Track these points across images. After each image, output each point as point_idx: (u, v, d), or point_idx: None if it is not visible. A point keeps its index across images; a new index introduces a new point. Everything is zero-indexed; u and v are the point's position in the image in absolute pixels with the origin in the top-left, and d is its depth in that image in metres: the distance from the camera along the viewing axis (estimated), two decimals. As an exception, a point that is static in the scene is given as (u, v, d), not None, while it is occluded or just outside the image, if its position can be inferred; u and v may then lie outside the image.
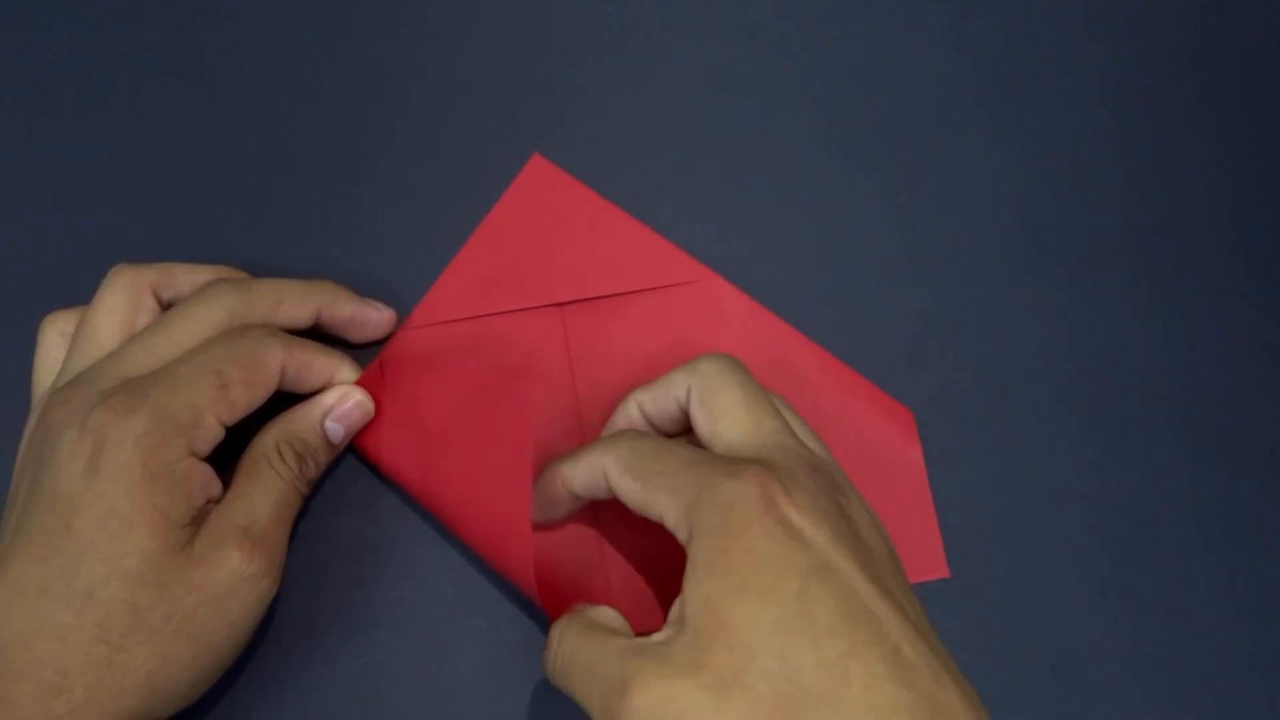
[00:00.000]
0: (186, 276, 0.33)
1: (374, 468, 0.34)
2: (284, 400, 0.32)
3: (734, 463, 0.27)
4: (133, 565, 0.27)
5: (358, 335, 0.34)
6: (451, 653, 0.33)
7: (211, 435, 0.29)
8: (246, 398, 0.30)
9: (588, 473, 0.30)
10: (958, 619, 0.34)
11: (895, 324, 0.36)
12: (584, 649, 0.27)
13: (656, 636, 0.26)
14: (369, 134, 0.37)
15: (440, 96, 0.38)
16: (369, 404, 0.33)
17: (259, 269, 0.35)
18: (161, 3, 0.38)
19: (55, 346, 0.32)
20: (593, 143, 0.37)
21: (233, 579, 0.28)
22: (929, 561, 0.34)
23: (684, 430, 0.31)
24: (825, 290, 0.37)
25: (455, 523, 0.32)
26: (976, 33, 0.39)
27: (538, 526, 0.33)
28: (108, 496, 0.27)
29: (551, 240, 0.36)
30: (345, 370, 0.33)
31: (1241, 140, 0.39)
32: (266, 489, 0.30)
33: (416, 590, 0.33)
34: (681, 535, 0.27)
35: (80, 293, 0.35)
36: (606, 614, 0.29)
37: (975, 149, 0.38)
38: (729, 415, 0.29)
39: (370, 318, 0.34)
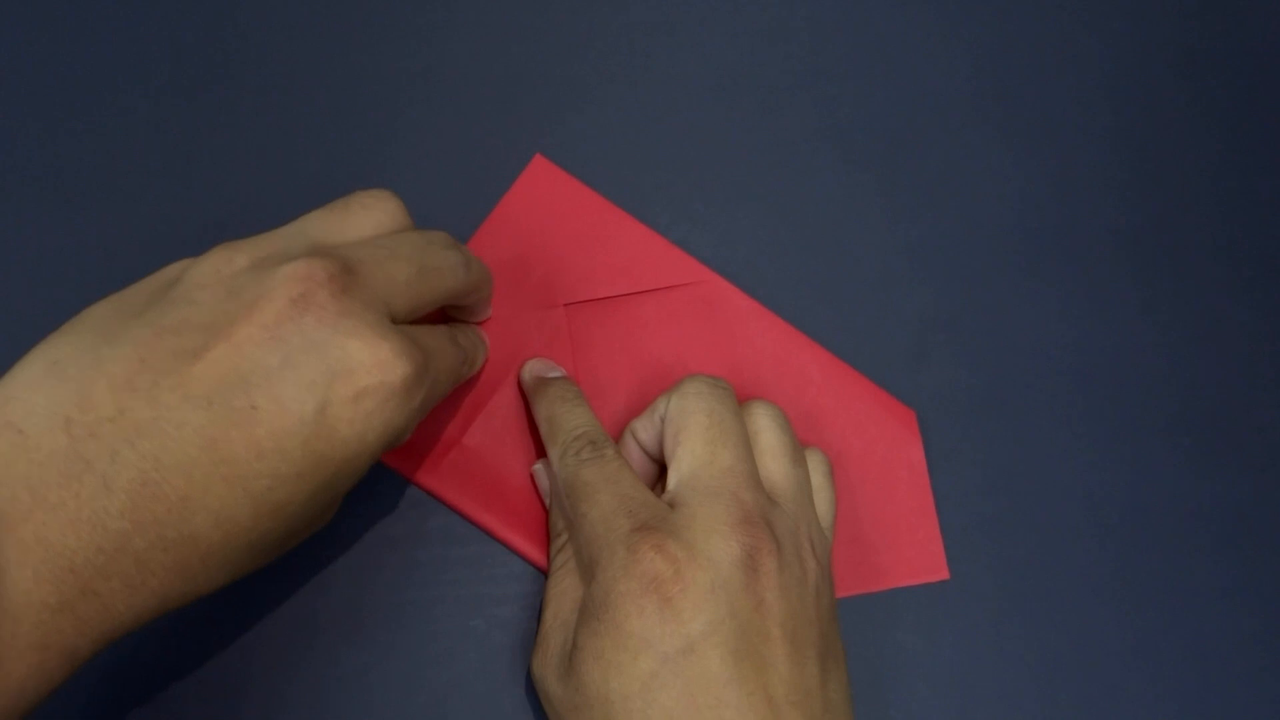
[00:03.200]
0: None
1: (379, 466, 0.34)
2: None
3: (640, 530, 0.27)
4: (327, 502, 0.26)
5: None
6: (451, 653, 0.33)
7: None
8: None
9: (547, 483, 0.33)
10: (958, 619, 0.34)
11: (896, 324, 0.36)
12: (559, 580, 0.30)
13: (579, 630, 0.28)
14: (370, 134, 0.37)
15: (442, 97, 0.38)
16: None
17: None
18: (162, 4, 0.38)
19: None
20: (594, 143, 0.37)
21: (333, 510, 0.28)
22: (929, 562, 0.34)
23: None
24: (826, 290, 0.37)
25: (464, 511, 0.33)
26: (976, 33, 0.39)
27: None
28: (365, 444, 0.25)
29: (553, 241, 0.36)
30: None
31: (1241, 140, 0.39)
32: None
33: (416, 590, 0.33)
34: (584, 577, 0.29)
35: (81, 292, 0.35)
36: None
37: (975, 149, 0.38)
38: (687, 444, 0.29)
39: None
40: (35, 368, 0.23)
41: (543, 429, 0.33)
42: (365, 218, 0.28)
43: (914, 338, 0.36)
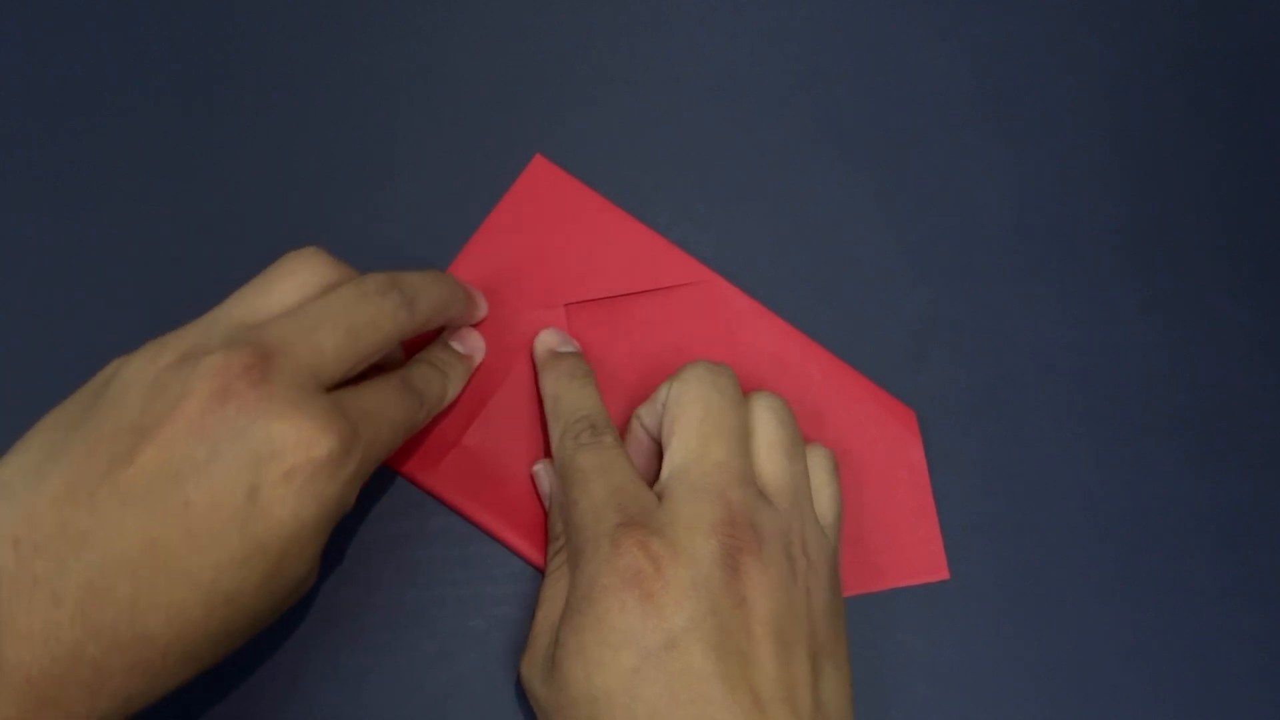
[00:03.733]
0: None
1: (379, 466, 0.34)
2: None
3: (626, 526, 0.27)
4: (283, 586, 0.27)
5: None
6: (451, 653, 0.33)
7: None
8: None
9: (547, 486, 0.33)
10: (958, 619, 0.34)
11: (896, 324, 0.36)
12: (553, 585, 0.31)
13: (562, 627, 0.28)
14: (370, 135, 0.37)
15: (442, 97, 0.38)
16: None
17: (258, 270, 0.35)
18: (162, 4, 0.38)
19: None
20: (594, 143, 0.37)
21: (303, 587, 0.28)
22: (929, 562, 0.34)
23: None
24: (825, 290, 0.37)
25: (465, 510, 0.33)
26: (975, 33, 0.39)
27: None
28: (302, 521, 0.26)
29: (553, 241, 0.36)
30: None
31: (1241, 140, 0.39)
32: None
33: (416, 590, 0.33)
34: (574, 548, 0.29)
35: (80, 293, 0.35)
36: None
37: (975, 149, 0.38)
38: (680, 436, 0.30)
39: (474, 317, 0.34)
40: None
41: (547, 405, 0.33)
42: (289, 286, 0.28)
43: (914, 338, 0.36)
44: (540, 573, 0.33)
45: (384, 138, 0.37)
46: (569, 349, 0.34)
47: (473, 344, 0.34)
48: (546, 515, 0.33)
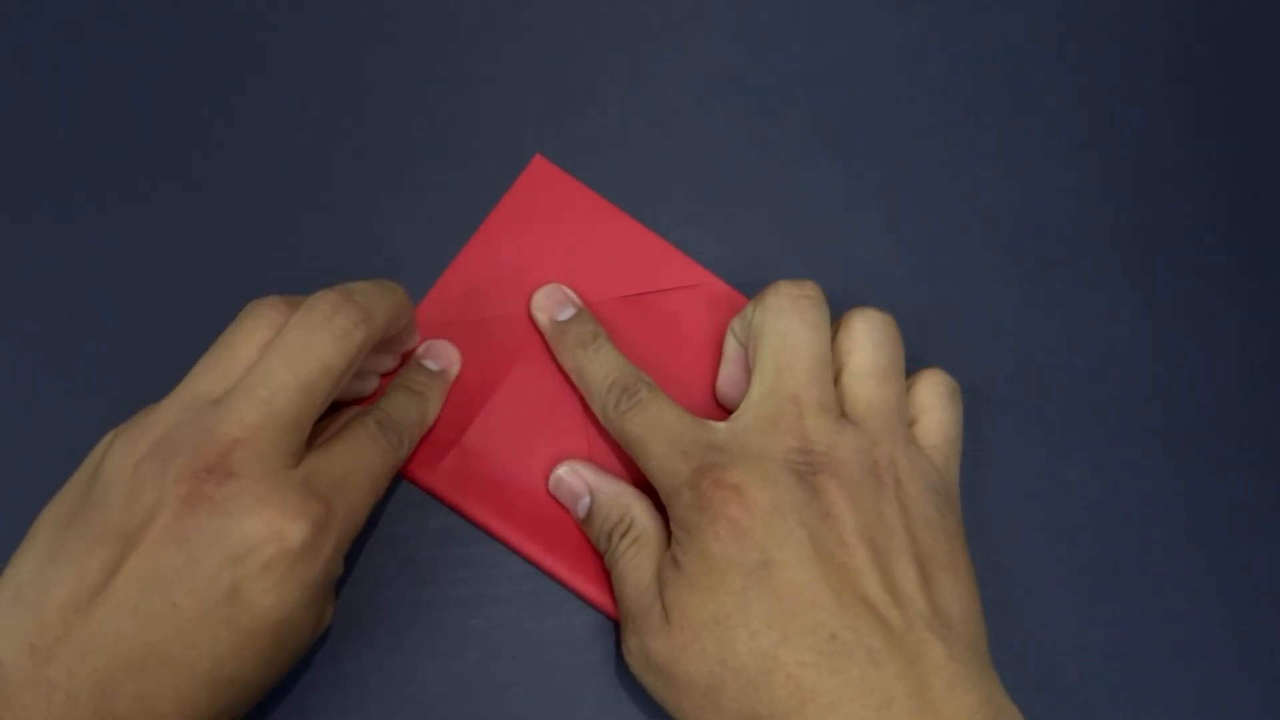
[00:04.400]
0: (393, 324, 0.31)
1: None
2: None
3: (698, 471, 0.28)
4: (283, 659, 0.28)
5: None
6: (451, 653, 0.33)
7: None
8: None
9: (574, 496, 0.33)
10: (957, 619, 0.34)
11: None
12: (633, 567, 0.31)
13: (665, 573, 0.29)
14: (370, 135, 0.37)
15: (442, 97, 0.38)
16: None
17: (259, 270, 0.35)
18: (162, 4, 0.38)
19: None
20: (594, 143, 0.37)
21: (311, 639, 0.29)
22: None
23: None
24: (825, 291, 0.37)
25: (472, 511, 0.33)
26: (975, 34, 0.39)
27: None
28: (287, 606, 0.27)
29: (553, 241, 0.36)
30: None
31: (1240, 140, 0.39)
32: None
33: (416, 590, 0.33)
34: (665, 506, 0.30)
35: (79, 293, 0.35)
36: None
37: (974, 149, 0.38)
38: (759, 366, 0.30)
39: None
40: (5, 594, 0.26)
41: (573, 380, 0.34)
42: (250, 345, 0.29)
43: (912, 338, 0.36)
44: (541, 572, 0.33)
45: (384, 138, 0.37)
46: (569, 313, 0.34)
47: (447, 357, 0.34)
48: (585, 521, 0.33)
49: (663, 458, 0.30)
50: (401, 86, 0.38)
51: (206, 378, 0.28)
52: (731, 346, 0.33)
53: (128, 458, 0.27)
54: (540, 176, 0.37)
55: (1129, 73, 0.39)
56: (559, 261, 0.36)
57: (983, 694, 0.26)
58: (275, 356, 0.28)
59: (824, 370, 0.30)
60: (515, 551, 0.33)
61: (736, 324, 0.33)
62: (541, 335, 0.35)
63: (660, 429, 0.30)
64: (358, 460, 0.29)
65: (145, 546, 0.26)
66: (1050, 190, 0.38)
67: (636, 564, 0.30)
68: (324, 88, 0.38)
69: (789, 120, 0.38)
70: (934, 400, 0.31)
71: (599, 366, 0.32)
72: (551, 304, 0.34)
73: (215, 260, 0.36)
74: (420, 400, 0.33)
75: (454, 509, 0.34)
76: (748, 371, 0.32)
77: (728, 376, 0.34)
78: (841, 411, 0.30)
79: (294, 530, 0.26)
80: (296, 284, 0.35)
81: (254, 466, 0.26)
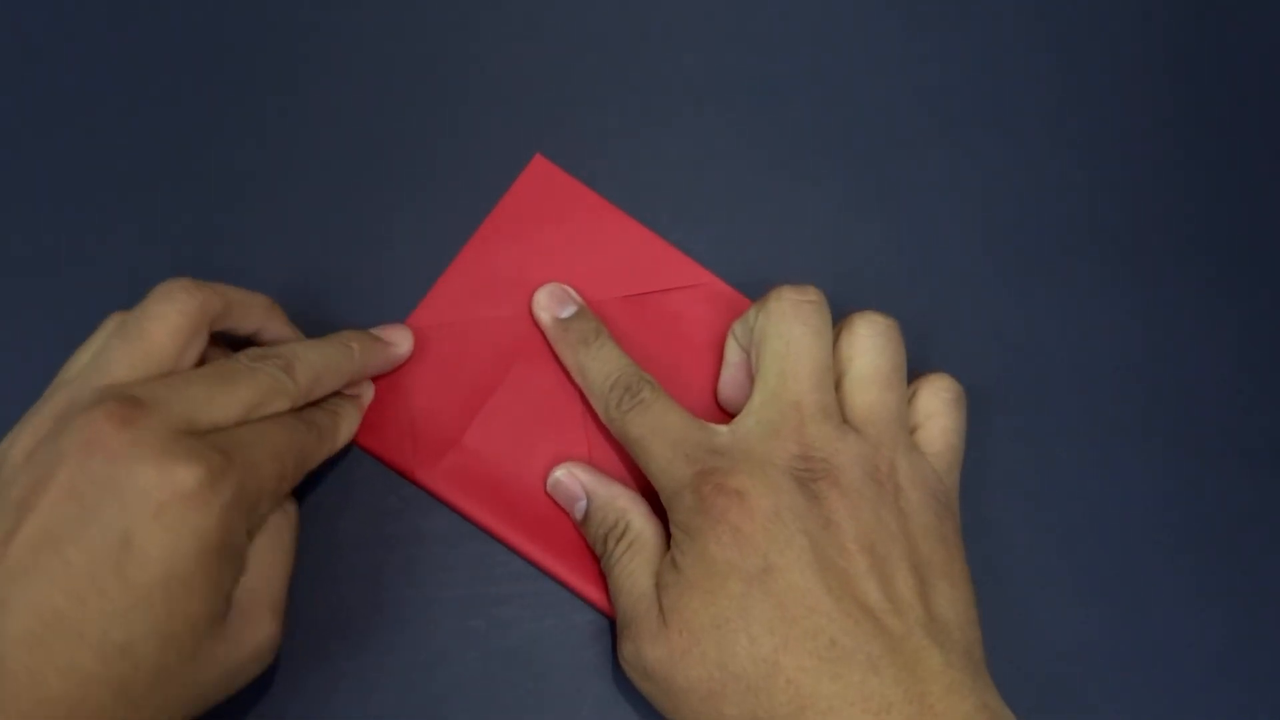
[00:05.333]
0: (240, 308, 0.30)
1: (379, 466, 0.34)
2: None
3: (700, 474, 0.28)
4: (178, 629, 0.26)
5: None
6: (451, 653, 0.33)
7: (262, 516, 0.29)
8: (292, 485, 0.30)
9: (570, 498, 0.33)
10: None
11: (895, 325, 0.37)
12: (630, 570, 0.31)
13: (664, 577, 0.29)
14: (370, 134, 0.37)
15: (442, 97, 0.38)
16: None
17: (259, 270, 0.35)
18: (163, 5, 0.38)
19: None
20: (594, 143, 0.37)
21: (255, 655, 0.28)
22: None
23: None
24: (825, 292, 0.37)
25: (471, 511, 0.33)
26: (974, 34, 0.39)
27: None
28: (179, 556, 0.25)
29: (552, 241, 0.36)
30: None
31: (1242, 140, 0.39)
32: (286, 555, 0.30)
33: (416, 590, 0.33)
34: (665, 508, 0.30)
35: (78, 294, 0.35)
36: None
37: (974, 149, 0.38)
38: (762, 372, 0.30)
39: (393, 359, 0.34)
40: None
41: (575, 378, 0.34)
42: (161, 330, 0.28)
43: (914, 338, 0.36)
44: (542, 572, 0.33)
45: (384, 138, 0.37)
46: (571, 311, 0.34)
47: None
48: (582, 524, 0.33)
49: (664, 460, 0.30)
50: (401, 87, 0.38)
51: (114, 360, 0.27)
52: (733, 350, 0.33)
53: (32, 437, 0.26)
54: (540, 176, 0.37)
55: (1129, 74, 0.39)
56: (559, 261, 0.36)
57: (979, 700, 0.26)
58: (199, 371, 0.28)
59: (826, 376, 0.30)
60: (515, 551, 0.33)
61: (738, 328, 0.33)
62: (542, 335, 0.35)
63: (662, 430, 0.30)
64: (263, 432, 0.28)
65: (41, 505, 0.25)
66: (1050, 192, 0.38)
67: (632, 569, 0.30)
68: (324, 88, 0.37)
69: (789, 120, 0.38)
70: (938, 406, 0.31)
71: (601, 364, 0.32)
72: (553, 302, 0.34)
73: (215, 260, 0.36)
74: (332, 415, 0.31)
75: (453, 509, 0.34)
76: (749, 376, 0.32)
77: (729, 380, 0.34)
78: (843, 417, 0.30)
79: (189, 474, 0.25)
80: (296, 284, 0.36)
81: (157, 424, 0.26)
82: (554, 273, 0.36)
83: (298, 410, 0.30)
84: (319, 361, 0.30)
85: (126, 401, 0.26)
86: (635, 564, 0.30)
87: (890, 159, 0.38)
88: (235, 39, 0.38)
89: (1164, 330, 0.37)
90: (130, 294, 0.35)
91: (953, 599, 0.28)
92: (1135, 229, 0.38)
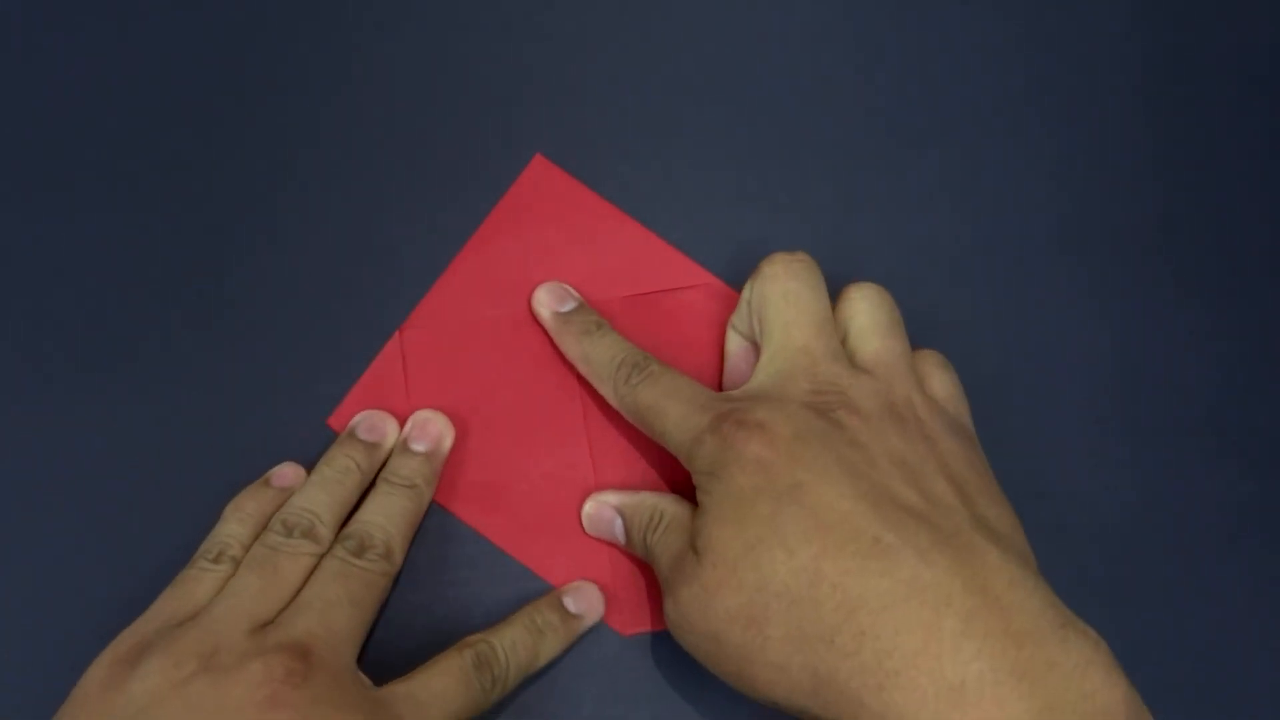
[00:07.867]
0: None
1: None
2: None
3: (717, 418, 0.28)
4: None
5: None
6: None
7: None
8: None
9: (607, 527, 0.33)
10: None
11: (895, 325, 0.36)
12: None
13: (695, 524, 0.28)
14: (369, 134, 0.37)
15: (441, 97, 0.38)
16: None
17: (259, 270, 0.35)
18: (161, 4, 0.38)
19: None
20: (594, 143, 0.37)
21: None
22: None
23: None
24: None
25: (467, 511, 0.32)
26: (974, 34, 0.39)
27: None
28: None
29: (553, 241, 0.36)
30: None
31: (1246, 141, 0.39)
32: None
33: (416, 590, 0.33)
34: (687, 466, 0.29)
35: (78, 295, 0.35)
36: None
37: (975, 149, 0.38)
38: (767, 330, 0.30)
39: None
40: None
41: (580, 369, 0.33)
42: (296, 564, 0.29)
43: (913, 337, 0.36)
44: (537, 574, 0.33)
45: (384, 137, 0.37)
46: (570, 305, 0.34)
47: (588, 603, 0.32)
48: (626, 543, 0.32)
49: (680, 415, 0.29)
50: (401, 86, 0.38)
51: (233, 597, 0.28)
52: (733, 340, 0.34)
53: (175, 673, 0.25)
54: (540, 176, 0.37)
55: (1130, 74, 0.39)
56: (559, 261, 0.36)
57: (1047, 597, 0.25)
58: (329, 580, 0.29)
59: (829, 325, 0.30)
60: (514, 558, 0.33)
61: (735, 318, 0.33)
62: (542, 335, 0.35)
63: (674, 394, 0.30)
64: (440, 693, 0.28)
65: None
66: (1049, 192, 0.38)
67: (668, 541, 0.29)
68: (323, 88, 0.37)
69: (789, 120, 0.38)
70: (931, 369, 0.31)
71: (604, 350, 0.32)
72: (552, 299, 0.34)
73: (214, 260, 0.36)
74: (536, 640, 0.31)
75: (452, 509, 0.34)
76: (751, 365, 0.32)
77: (731, 370, 0.34)
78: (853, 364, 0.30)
79: None
80: (296, 284, 0.36)
81: (330, 676, 0.26)
82: (554, 272, 0.36)
83: (499, 633, 0.31)
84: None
85: (298, 653, 0.26)
86: (670, 536, 0.29)
87: (889, 159, 0.38)
88: (234, 39, 0.38)
89: (1164, 329, 0.37)
90: (128, 295, 0.35)
91: (998, 514, 0.27)
92: (1135, 229, 0.38)
